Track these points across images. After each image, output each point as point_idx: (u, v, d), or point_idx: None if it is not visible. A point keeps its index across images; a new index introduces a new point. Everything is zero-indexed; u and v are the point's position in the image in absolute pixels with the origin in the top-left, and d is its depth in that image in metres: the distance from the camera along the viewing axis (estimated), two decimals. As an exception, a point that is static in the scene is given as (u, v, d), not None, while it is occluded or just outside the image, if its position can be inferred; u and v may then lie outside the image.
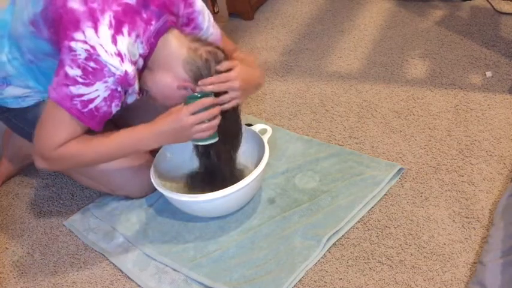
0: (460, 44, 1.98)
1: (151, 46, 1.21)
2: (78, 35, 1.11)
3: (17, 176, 1.68)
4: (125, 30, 1.14)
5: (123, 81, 1.16)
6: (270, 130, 1.48)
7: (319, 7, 2.39)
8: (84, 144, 1.21)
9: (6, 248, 1.45)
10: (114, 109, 1.21)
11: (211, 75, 1.23)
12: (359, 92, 1.82)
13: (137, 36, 1.17)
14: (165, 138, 1.23)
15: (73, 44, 1.11)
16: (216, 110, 1.22)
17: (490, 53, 1.90)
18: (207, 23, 1.38)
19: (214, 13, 2.36)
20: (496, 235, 1.22)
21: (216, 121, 1.22)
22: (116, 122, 1.37)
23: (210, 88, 1.22)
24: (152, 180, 1.36)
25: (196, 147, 1.34)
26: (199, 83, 1.23)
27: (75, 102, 1.15)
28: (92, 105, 1.16)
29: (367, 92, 1.81)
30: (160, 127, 1.21)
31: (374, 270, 1.23)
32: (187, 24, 1.36)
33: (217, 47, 1.28)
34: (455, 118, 1.64)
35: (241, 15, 2.37)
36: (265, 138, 1.43)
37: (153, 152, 1.45)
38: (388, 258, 1.25)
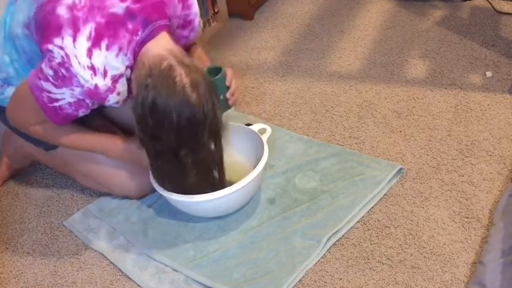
0: (460, 44, 1.98)
1: (135, 55, 1.22)
2: (57, 40, 1.15)
3: (17, 176, 1.68)
4: (104, 44, 1.16)
5: (92, 94, 1.20)
6: (269, 130, 1.48)
7: (319, 7, 2.39)
8: (60, 131, 1.33)
9: (6, 248, 1.45)
10: (82, 113, 1.27)
11: (157, 87, 1.12)
12: (359, 92, 1.82)
13: (120, 49, 1.18)
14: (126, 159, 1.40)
15: (50, 46, 1.15)
16: None
17: (490, 53, 1.90)
18: (199, 27, 1.43)
19: (214, 13, 2.36)
20: (496, 235, 1.22)
21: None
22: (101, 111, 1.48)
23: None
24: (151, 180, 1.36)
25: None
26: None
27: (43, 94, 1.21)
28: (56, 104, 1.22)
29: (367, 92, 1.81)
30: (126, 153, 1.37)
31: (374, 270, 1.23)
32: (184, 26, 1.38)
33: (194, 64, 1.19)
34: (455, 118, 1.64)
35: (241, 15, 2.37)
36: (265, 138, 1.43)
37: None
38: (388, 258, 1.25)
